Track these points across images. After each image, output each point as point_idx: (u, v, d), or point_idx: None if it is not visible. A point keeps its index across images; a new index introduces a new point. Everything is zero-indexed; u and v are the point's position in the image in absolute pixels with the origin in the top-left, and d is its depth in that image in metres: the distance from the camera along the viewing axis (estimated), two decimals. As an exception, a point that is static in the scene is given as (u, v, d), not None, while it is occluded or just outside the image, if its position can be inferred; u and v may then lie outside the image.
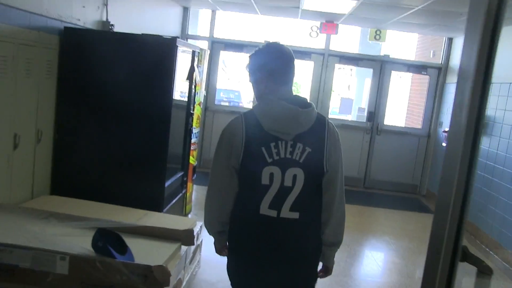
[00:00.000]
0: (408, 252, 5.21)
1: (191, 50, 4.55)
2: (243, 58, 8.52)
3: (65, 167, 3.96)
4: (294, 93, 2.08)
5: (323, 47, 7.80)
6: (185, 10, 7.81)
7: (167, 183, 4.08)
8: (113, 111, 3.91)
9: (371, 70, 7.93)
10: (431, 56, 9.01)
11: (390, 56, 7.89)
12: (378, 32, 7.38)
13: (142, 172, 3.95)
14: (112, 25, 4.55)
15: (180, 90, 4.38)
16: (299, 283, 2.09)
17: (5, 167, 3.29)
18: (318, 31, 7.63)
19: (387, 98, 7.93)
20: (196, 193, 6.44)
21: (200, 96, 5.22)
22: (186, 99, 4.62)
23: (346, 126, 7.92)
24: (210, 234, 2.15)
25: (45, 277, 2.53)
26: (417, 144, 7.92)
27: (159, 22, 6.47)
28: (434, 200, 7.38)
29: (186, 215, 5.10)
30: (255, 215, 1.91)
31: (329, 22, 7.40)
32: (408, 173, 7.97)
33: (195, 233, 3.46)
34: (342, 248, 2.20)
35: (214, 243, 2.17)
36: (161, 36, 3.83)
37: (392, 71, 7.86)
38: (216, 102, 8.33)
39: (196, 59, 4.63)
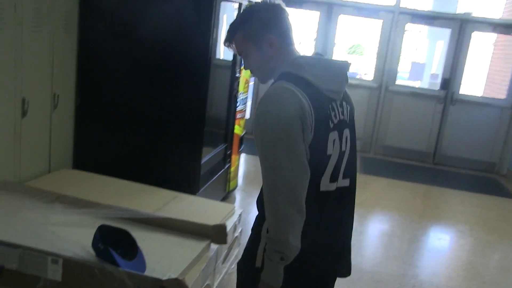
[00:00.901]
0: (487, 248, 4.41)
1: (237, 3, 3.87)
2: (304, 15, 7.71)
3: (89, 137, 3.45)
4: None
5: (393, 4, 6.84)
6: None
7: (204, 159, 3.50)
8: (142, 72, 3.33)
9: (446, 31, 6.91)
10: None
11: (472, 15, 6.82)
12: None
13: (175, 146, 3.38)
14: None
15: (224, 50, 3.73)
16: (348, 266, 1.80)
17: (11, 138, 2.79)
18: (389, -16, 6.67)
19: (465, 63, 6.92)
20: (246, 164, 5.88)
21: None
22: (230, 61, 3.97)
23: (416, 94, 7.02)
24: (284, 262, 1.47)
25: (35, 282, 2.03)
26: (499, 116, 6.91)
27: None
28: (516, 183, 6.45)
29: (230, 192, 4.53)
30: (314, 193, 1.52)
31: (403, -27, 6.43)
32: (486, 149, 7.01)
33: (232, 224, 2.87)
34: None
35: (273, 277, 1.48)
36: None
37: (473, 32, 6.81)
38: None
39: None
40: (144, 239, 2.23)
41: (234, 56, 3.96)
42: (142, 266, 2.07)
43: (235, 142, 4.48)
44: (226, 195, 4.47)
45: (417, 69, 7.05)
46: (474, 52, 7.65)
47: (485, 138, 6.97)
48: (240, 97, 4.37)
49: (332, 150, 1.55)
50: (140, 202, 2.85)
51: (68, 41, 3.18)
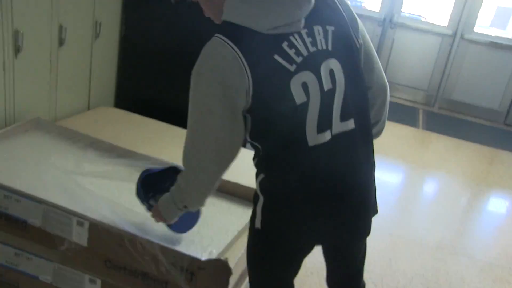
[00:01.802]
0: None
1: None
2: None
3: (134, 72, 3.13)
4: None
5: None
6: None
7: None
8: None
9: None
10: None
11: None
12: None
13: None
14: None
15: None
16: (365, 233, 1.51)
17: (47, 69, 2.50)
18: None
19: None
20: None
21: None
22: None
23: (496, 45, 6.26)
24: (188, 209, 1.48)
25: (60, 243, 1.77)
26: None
27: None
28: None
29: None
30: (303, 156, 1.29)
31: None
32: None
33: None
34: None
35: (170, 215, 1.54)
36: None
37: None
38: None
39: None
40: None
41: None
42: (194, 218, 1.78)
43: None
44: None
45: (503, 15, 6.24)
46: None
47: None
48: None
49: (305, 96, 1.25)
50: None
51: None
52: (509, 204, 4.34)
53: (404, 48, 6.55)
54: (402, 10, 6.50)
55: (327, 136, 1.30)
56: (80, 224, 1.72)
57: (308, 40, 1.26)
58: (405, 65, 6.61)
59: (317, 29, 1.28)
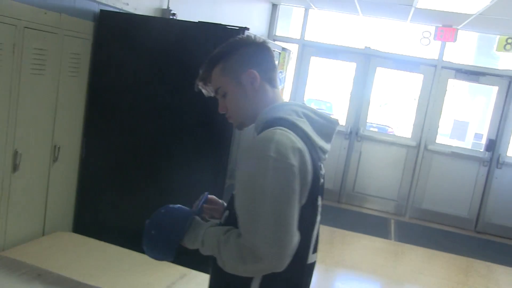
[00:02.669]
0: None
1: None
2: (337, 66, 7.34)
3: (94, 195, 3.04)
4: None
5: (436, 58, 6.41)
6: (274, 7, 6.79)
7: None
8: (163, 122, 2.92)
9: (492, 88, 6.42)
10: None
11: (522, 72, 6.32)
12: (510, 41, 5.88)
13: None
14: (174, 14, 3.60)
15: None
16: None
17: (-3, 196, 2.39)
18: (431, 37, 6.27)
19: (512, 124, 6.38)
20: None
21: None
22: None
23: (458, 155, 6.45)
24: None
25: None
26: (550, 183, 6.28)
27: (240, 18, 5.47)
28: None
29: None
30: (300, 268, 1.36)
31: (447, 26, 6.02)
32: (535, 219, 6.35)
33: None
34: None
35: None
36: (224, 25, 2.78)
37: (523, 91, 6.29)
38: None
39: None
40: None
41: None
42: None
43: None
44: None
45: (461, 128, 6.52)
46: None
47: (535, 207, 6.33)
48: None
49: (317, 217, 1.40)
50: (142, 280, 2.40)
51: (75, 85, 2.82)
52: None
53: (371, 159, 6.68)
54: (368, 121, 6.73)
55: (314, 257, 1.41)
56: None
57: (322, 172, 1.40)
58: (373, 176, 6.69)
59: (322, 165, 1.44)
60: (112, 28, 2.87)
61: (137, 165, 2.95)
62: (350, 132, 6.63)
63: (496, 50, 6.19)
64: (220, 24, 2.82)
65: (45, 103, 2.60)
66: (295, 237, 1.23)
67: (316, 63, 6.97)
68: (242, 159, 1.29)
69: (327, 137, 1.42)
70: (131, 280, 2.37)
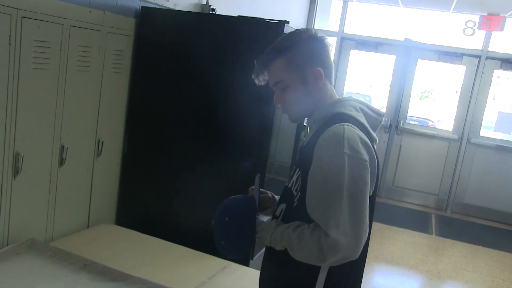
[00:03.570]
0: None
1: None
2: (378, 58, 7.22)
3: (136, 189, 3.11)
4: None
5: (480, 48, 6.22)
6: (313, 0, 6.73)
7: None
8: (203, 119, 2.95)
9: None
10: None
11: None
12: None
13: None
14: (214, 9, 3.63)
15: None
16: None
17: (45, 188, 2.49)
18: (475, 27, 6.08)
19: (561, 115, 6.14)
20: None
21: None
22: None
23: (503, 148, 6.26)
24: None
25: None
26: None
27: (279, 12, 5.45)
28: None
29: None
30: (363, 253, 1.36)
31: (493, 14, 5.83)
32: None
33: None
34: None
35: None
36: (263, 19, 2.78)
37: None
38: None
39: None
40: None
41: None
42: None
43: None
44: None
45: (505, 120, 6.31)
46: None
47: None
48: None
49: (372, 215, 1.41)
50: (183, 272, 2.45)
51: (118, 81, 2.89)
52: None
53: (411, 153, 6.57)
54: (408, 114, 6.61)
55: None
56: None
57: None
58: (414, 170, 6.58)
59: None
60: (153, 24, 2.92)
61: (177, 159, 3.00)
62: (390, 126, 6.54)
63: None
64: (259, 18, 2.82)
65: (90, 99, 2.68)
66: (367, 227, 1.29)
67: (355, 56, 6.88)
68: (316, 156, 1.32)
69: (375, 129, 1.48)
70: (173, 271, 2.42)
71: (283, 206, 1.46)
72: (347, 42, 6.69)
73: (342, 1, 6.69)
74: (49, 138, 2.44)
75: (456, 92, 6.65)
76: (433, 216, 6.26)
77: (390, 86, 6.66)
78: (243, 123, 2.81)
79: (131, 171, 3.10)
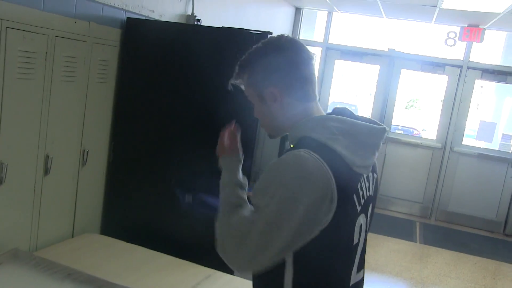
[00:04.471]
0: None
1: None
2: (362, 68, 7.32)
3: (121, 198, 3.12)
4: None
5: (461, 58, 6.34)
6: (298, 11, 6.82)
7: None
8: (189, 128, 2.98)
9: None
10: None
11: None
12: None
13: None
14: (199, 20, 3.67)
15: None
16: None
17: (30, 198, 2.49)
18: (456, 38, 6.21)
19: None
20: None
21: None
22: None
23: (485, 156, 6.37)
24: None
25: None
26: None
27: (264, 23, 5.52)
28: None
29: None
30: None
31: (473, 26, 5.95)
32: None
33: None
34: None
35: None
36: (247, 30, 2.83)
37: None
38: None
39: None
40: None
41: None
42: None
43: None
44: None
45: (487, 129, 6.43)
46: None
47: None
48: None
49: (358, 238, 1.29)
50: (167, 280, 2.46)
51: (103, 91, 2.91)
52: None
53: (396, 162, 6.65)
54: (393, 123, 6.70)
55: (361, 275, 1.36)
56: None
57: (367, 184, 1.30)
58: (398, 178, 6.65)
59: (371, 174, 1.34)
60: (139, 35, 2.95)
61: (162, 169, 3.02)
62: (375, 134, 6.61)
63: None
64: (243, 29, 2.87)
65: (75, 109, 2.69)
66: (268, 261, 1.19)
67: (340, 66, 6.97)
68: (263, 173, 1.22)
69: (371, 149, 1.31)
70: (157, 280, 2.44)
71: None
72: (332, 52, 6.78)
73: (327, 12, 6.78)
74: (34, 148, 2.44)
75: (441, 101, 6.77)
76: (417, 224, 6.33)
77: (374, 95, 6.74)
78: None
79: (117, 181, 3.11)
